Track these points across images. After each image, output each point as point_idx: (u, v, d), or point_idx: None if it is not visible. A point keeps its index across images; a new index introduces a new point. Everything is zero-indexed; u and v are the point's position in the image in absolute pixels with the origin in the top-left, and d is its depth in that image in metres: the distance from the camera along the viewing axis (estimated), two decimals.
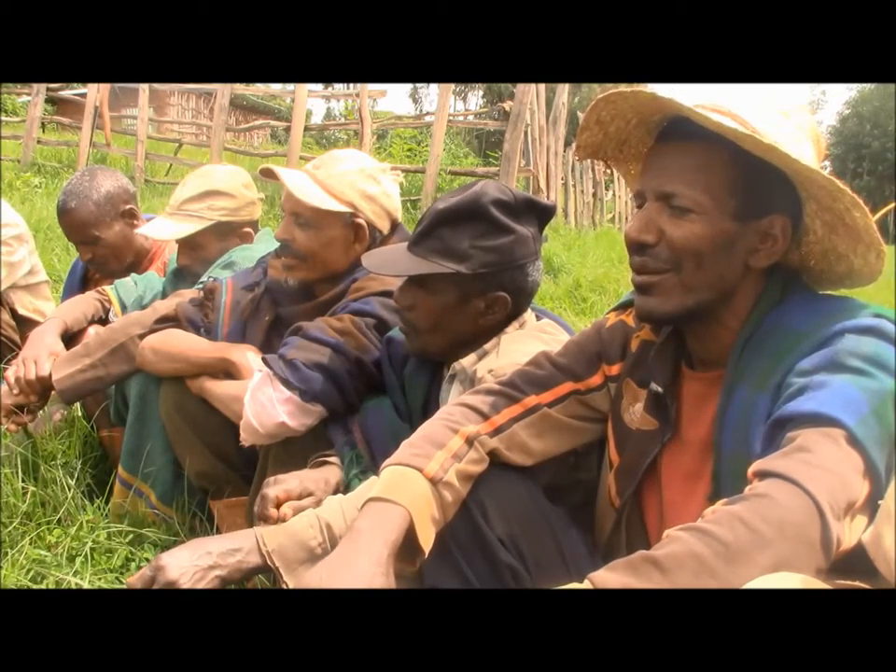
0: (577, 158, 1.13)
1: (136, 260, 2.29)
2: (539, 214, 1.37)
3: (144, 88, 8.94)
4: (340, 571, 0.89)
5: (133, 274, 2.18)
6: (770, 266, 0.99)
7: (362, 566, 0.89)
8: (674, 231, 0.94)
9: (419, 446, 1.05)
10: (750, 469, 0.81)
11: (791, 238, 0.96)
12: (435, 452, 1.04)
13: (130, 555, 1.58)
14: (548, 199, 8.58)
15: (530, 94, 7.36)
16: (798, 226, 0.97)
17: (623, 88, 0.95)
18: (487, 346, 1.35)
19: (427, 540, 0.98)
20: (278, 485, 1.24)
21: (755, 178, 0.93)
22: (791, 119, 0.94)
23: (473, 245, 1.30)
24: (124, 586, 1.47)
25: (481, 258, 1.30)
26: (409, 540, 0.97)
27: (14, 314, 2.38)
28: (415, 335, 1.38)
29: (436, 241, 1.31)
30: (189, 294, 1.85)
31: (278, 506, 1.22)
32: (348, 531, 0.95)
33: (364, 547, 0.91)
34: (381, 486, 0.99)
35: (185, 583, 1.05)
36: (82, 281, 2.43)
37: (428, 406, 1.41)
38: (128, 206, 2.22)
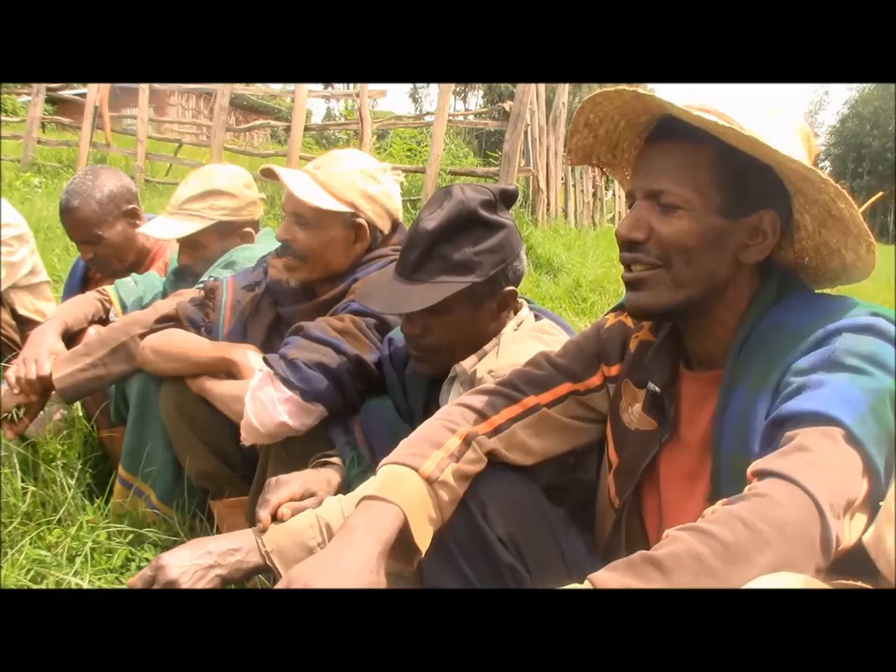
0: (569, 162, 1.14)
1: (138, 260, 2.29)
2: (509, 199, 1.38)
3: (144, 88, 8.94)
4: (329, 568, 0.89)
5: (133, 274, 2.18)
6: (765, 265, 1.00)
7: (352, 563, 0.89)
8: (663, 228, 0.95)
9: (416, 445, 1.05)
10: (750, 469, 0.81)
11: (780, 233, 0.97)
12: (432, 451, 1.04)
13: (130, 555, 1.58)
14: (547, 195, 8.58)
15: (530, 94, 7.35)
16: (788, 222, 0.98)
17: (609, 88, 0.95)
18: (487, 347, 1.35)
19: (423, 540, 0.98)
20: (280, 488, 1.24)
21: (742, 174, 0.94)
22: (779, 118, 0.95)
23: (477, 252, 1.30)
24: (124, 586, 1.47)
25: (488, 261, 1.31)
26: (405, 540, 0.97)
27: (14, 314, 2.38)
28: (435, 357, 1.37)
29: (437, 261, 1.30)
30: (189, 294, 1.86)
31: (275, 512, 1.21)
32: (340, 528, 0.95)
33: (355, 545, 0.91)
34: (376, 485, 1.00)
35: (185, 583, 1.05)
36: (83, 281, 2.43)
37: (429, 406, 1.41)
38: (130, 206, 2.22)
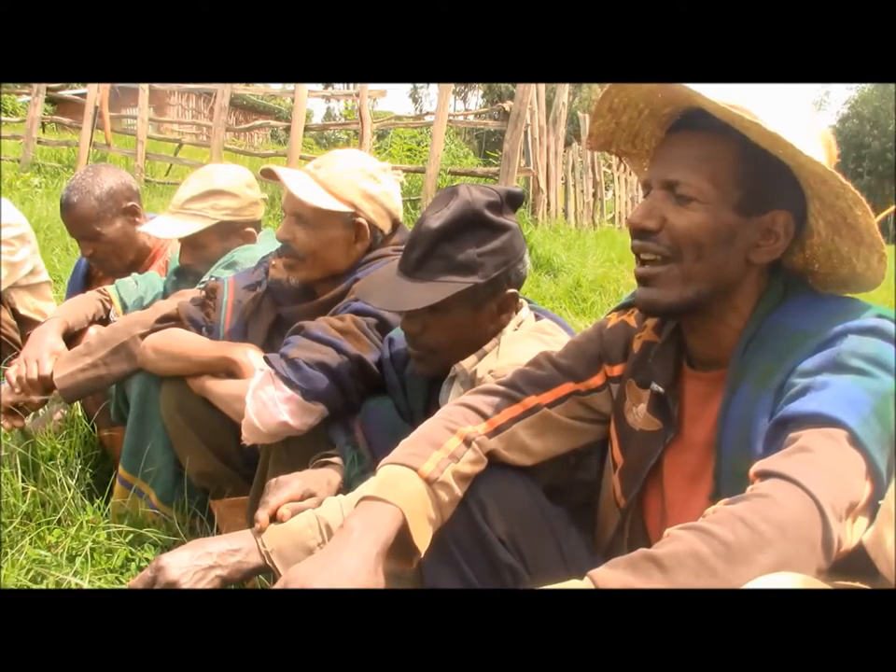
0: (588, 147, 1.13)
1: (138, 259, 2.29)
2: (515, 201, 1.38)
3: (144, 88, 8.94)
4: (327, 568, 0.89)
5: (134, 274, 2.18)
6: (773, 266, 0.99)
7: (349, 563, 0.89)
8: (676, 219, 0.95)
9: (416, 446, 1.05)
10: (752, 470, 0.81)
11: (793, 237, 0.96)
12: (432, 451, 1.04)
13: (130, 555, 1.58)
14: (547, 195, 8.57)
15: (530, 94, 7.35)
16: (802, 225, 0.97)
17: None
18: (487, 347, 1.35)
19: (422, 540, 0.98)
20: (280, 489, 1.24)
21: (760, 173, 0.93)
22: (803, 122, 0.94)
23: (480, 252, 1.30)
24: (124, 586, 1.47)
25: (490, 262, 1.30)
26: (405, 540, 0.97)
27: (15, 313, 2.39)
28: (433, 356, 1.36)
29: (440, 260, 1.29)
30: (190, 293, 1.86)
31: (274, 513, 1.21)
32: (339, 529, 0.95)
33: (353, 544, 0.91)
34: (375, 485, 1.00)
35: (185, 583, 1.05)
36: (85, 280, 2.43)
37: (430, 406, 1.41)
38: (130, 203, 2.22)
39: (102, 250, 2.21)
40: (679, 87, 0.91)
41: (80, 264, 2.45)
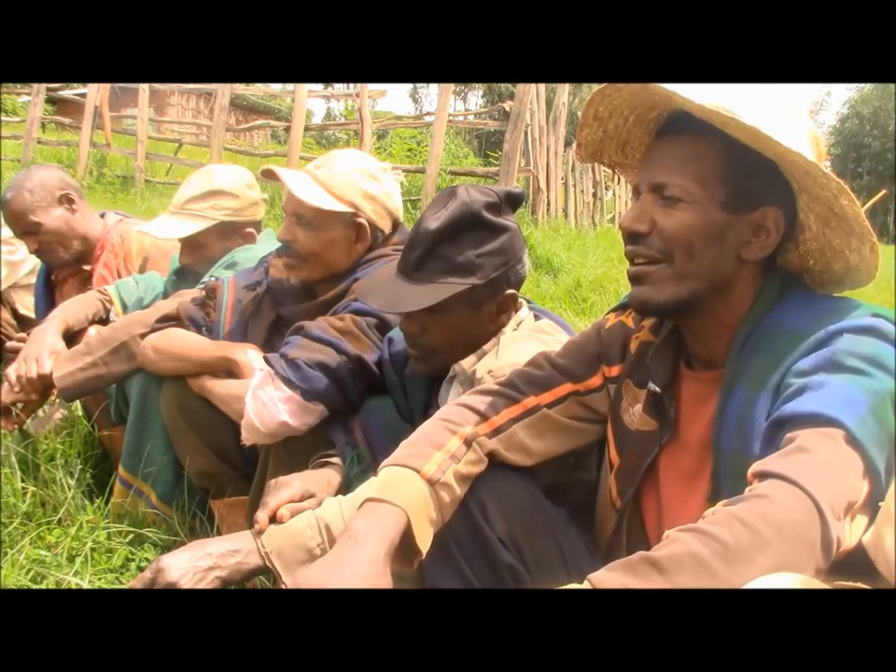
0: (579, 158, 1.13)
1: (85, 248, 2.32)
2: (515, 202, 1.38)
3: (144, 88, 8.95)
4: (336, 571, 0.89)
5: (134, 274, 2.19)
6: (768, 265, 0.99)
7: (359, 565, 0.89)
8: (665, 221, 0.95)
9: (417, 447, 1.05)
10: (750, 470, 0.81)
11: (784, 232, 0.97)
12: (433, 452, 1.04)
13: (130, 555, 1.58)
14: (547, 195, 8.57)
15: (530, 94, 7.36)
16: (793, 221, 0.97)
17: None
18: (486, 347, 1.35)
19: (424, 541, 0.98)
20: (280, 490, 1.24)
21: (746, 170, 0.94)
22: (790, 120, 0.94)
23: (479, 253, 1.30)
24: (124, 586, 1.47)
25: (489, 263, 1.30)
26: (406, 541, 0.97)
27: (15, 313, 2.39)
28: (432, 356, 1.37)
29: (439, 261, 1.30)
30: (190, 293, 1.86)
31: (273, 514, 1.21)
32: (344, 531, 0.95)
33: (360, 547, 0.91)
34: (378, 487, 0.99)
35: (185, 584, 1.05)
36: (45, 287, 2.43)
37: (430, 406, 1.41)
38: (64, 192, 2.26)
39: (45, 241, 2.23)
40: (656, 88, 0.92)
41: (41, 271, 2.45)
